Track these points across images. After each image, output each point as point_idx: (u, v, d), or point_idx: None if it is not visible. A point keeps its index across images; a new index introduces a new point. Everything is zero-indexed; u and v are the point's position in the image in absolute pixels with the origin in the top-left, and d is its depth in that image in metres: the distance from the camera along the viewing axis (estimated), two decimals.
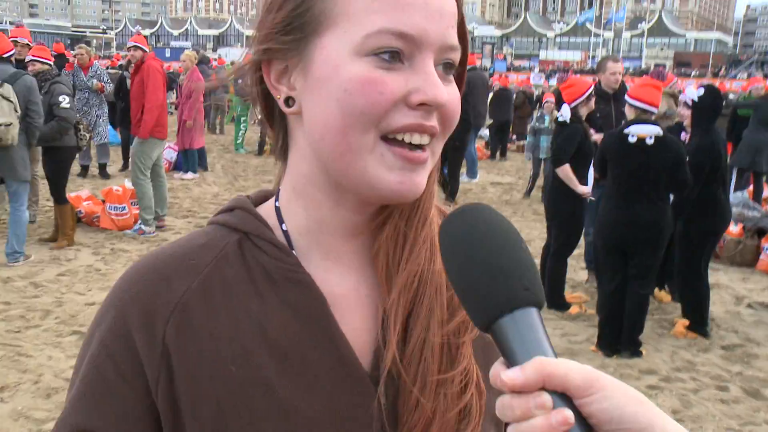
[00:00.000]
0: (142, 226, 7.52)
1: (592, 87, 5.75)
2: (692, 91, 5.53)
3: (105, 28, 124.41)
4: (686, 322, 5.37)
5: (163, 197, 7.93)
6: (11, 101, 5.81)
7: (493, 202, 10.61)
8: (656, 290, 6.13)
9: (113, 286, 0.77)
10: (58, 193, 6.85)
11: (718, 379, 4.64)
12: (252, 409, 0.71)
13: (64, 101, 6.49)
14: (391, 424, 0.72)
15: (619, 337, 4.92)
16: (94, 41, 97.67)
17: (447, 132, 0.74)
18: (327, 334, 0.74)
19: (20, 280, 5.97)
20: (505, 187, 11.73)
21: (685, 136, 5.96)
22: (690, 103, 5.43)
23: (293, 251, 0.77)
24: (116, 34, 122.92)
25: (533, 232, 8.48)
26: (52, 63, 6.86)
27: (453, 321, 0.75)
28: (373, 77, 0.67)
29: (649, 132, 4.71)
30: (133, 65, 7.82)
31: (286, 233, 0.78)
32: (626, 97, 5.01)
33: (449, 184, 9.69)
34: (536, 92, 23.21)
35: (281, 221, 0.79)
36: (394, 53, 0.68)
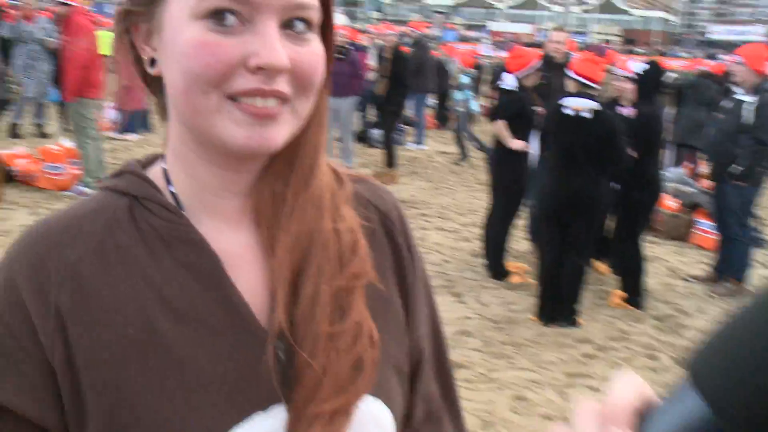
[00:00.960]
0: (86, 188, 7.24)
1: (539, 61, 5.78)
2: (636, 64, 5.62)
3: None
4: (623, 293, 5.52)
5: (99, 159, 7.62)
6: None
7: (439, 170, 10.66)
8: (594, 262, 6.27)
9: (4, 255, 0.75)
10: None
11: (649, 348, 4.79)
12: (149, 369, 0.70)
13: None
14: (287, 381, 0.73)
15: (557, 306, 5.03)
16: None
17: (305, 93, 0.73)
18: (222, 293, 0.74)
19: None
20: (453, 157, 11.76)
21: (626, 111, 6.07)
22: (634, 76, 5.52)
23: (183, 212, 0.77)
24: None
25: (478, 202, 8.54)
26: None
27: (343, 274, 0.76)
28: (205, 40, 0.67)
29: (585, 106, 4.79)
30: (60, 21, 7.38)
31: (174, 195, 0.78)
32: (567, 70, 5.07)
33: (385, 150, 9.67)
34: (488, 64, 23.20)
35: (169, 183, 0.78)
36: (227, 14, 0.67)
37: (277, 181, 0.77)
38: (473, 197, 8.94)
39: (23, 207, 6.83)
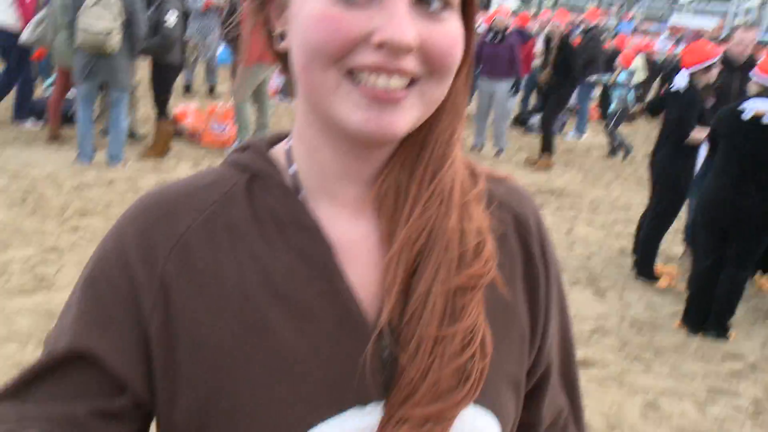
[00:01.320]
0: None
1: (717, 57, 5.34)
2: None
3: None
4: None
5: (265, 123, 7.92)
6: (113, 9, 5.96)
7: (596, 163, 10.24)
8: (757, 275, 5.79)
9: (118, 219, 0.75)
10: (159, 108, 7.07)
11: None
12: (249, 350, 0.69)
13: (172, 17, 6.55)
14: (388, 378, 0.69)
15: (706, 315, 4.68)
16: None
17: (440, 74, 0.67)
18: (331, 283, 0.71)
19: (122, 182, 6.25)
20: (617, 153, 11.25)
21: None
22: None
23: (301, 194, 0.74)
24: None
25: (634, 199, 8.13)
26: None
27: (460, 276, 0.71)
28: (329, 14, 0.63)
29: (767, 110, 4.35)
30: None
31: (294, 176, 0.75)
32: (754, 72, 4.63)
33: (543, 136, 9.39)
34: (658, 59, 21.94)
35: (290, 163, 0.76)
36: None
37: (402, 171, 0.73)
38: (628, 193, 8.52)
39: (187, 161, 7.29)
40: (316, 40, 0.64)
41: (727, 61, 6.00)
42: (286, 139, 0.79)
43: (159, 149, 7.11)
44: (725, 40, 9.56)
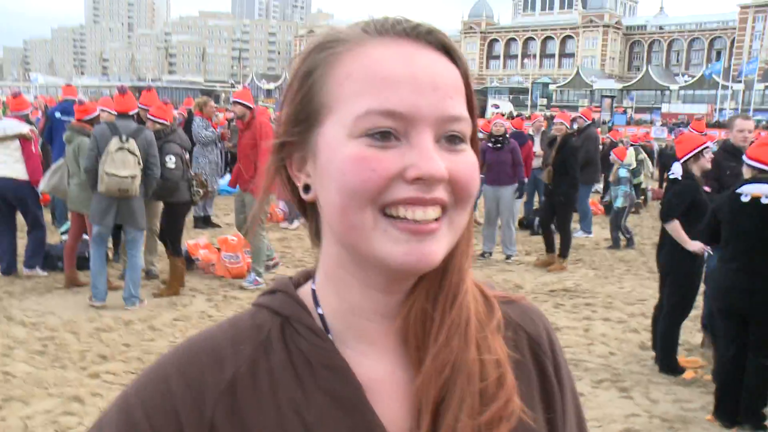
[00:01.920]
0: (258, 278, 7.63)
1: (705, 144, 5.52)
2: None
3: (233, 82, 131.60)
4: None
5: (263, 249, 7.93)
6: (136, 155, 6.25)
7: (606, 258, 10.28)
8: None
9: (162, 358, 0.79)
10: (171, 246, 7.20)
11: None
12: None
13: (170, 161, 6.81)
14: None
15: (738, 406, 4.60)
16: (223, 94, 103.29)
17: (464, 203, 0.74)
18: (364, 422, 0.74)
19: (139, 323, 6.31)
20: (622, 245, 11.31)
21: None
22: None
23: (329, 335, 0.78)
24: (243, 88, 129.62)
25: (647, 291, 8.13)
26: (167, 122, 7.13)
27: (486, 412, 0.74)
28: (364, 155, 0.69)
29: (764, 191, 4.46)
30: (237, 120, 7.89)
31: (322, 317, 0.80)
32: (744, 156, 4.78)
33: (561, 240, 9.46)
34: (657, 146, 22.44)
35: (317, 304, 0.80)
36: (386, 133, 0.70)
37: (426, 300, 0.76)
38: (641, 286, 8.51)
39: (202, 293, 7.39)
40: (356, 181, 0.69)
41: (730, 150, 6.16)
42: (310, 280, 0.84)
43: (173, 287, 7.20)
44: (718, 124, 9.80)
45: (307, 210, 0.82)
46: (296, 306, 0.80)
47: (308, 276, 0.85)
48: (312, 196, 0.77)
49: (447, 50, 0.75)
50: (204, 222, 11.23)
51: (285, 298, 0.81)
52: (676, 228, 5.36)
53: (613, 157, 11.39)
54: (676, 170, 5.43)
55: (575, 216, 11.99)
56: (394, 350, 0.78)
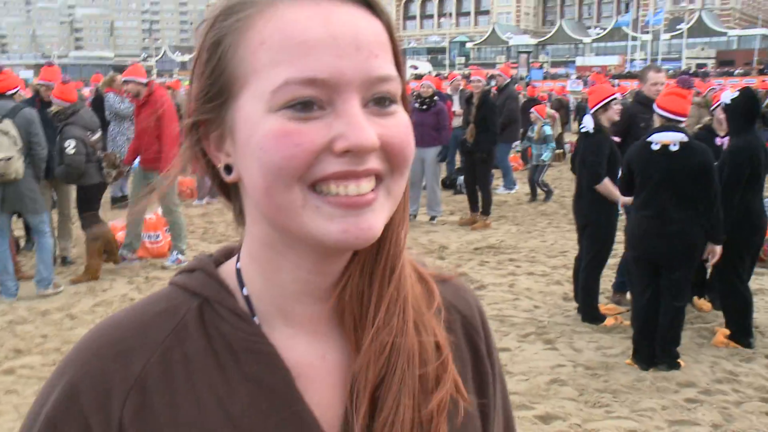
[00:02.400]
0: (179, 256, 7.44)
1: (613, 96, 5.62)
2: (726, 94, 5.39)
3: (145, 55, 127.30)
4: (727, 331, 5.19)
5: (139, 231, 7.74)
6: (11, 135, 5.94)
7: (528, 213, 10.48)
8: (696, 299, 5.96)
9: (65, 357, 0.73)
10: (87, 228, 6.95)
11: (763, 390, 4.45)
12: None
13: (69, 146, 6.49)
14: None
15: (655, 348, 4.78)
16: None
17: (400, 169, 0.68)
18: (292, 410, 0.70)
19: (57, 312, 6.08)
20: (540, 198, 11.55)
21: (720, 141, 5.81)
22: (723, 106, 5.29)
23: (255, 318, 0.73)
24: (156, 61, 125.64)
25: (569, 243, 8.33)
26: (66, 103, 6.73)
27: (430, 400, 0.71)
28: (286, 130, 0.63)
29: (672, 139, 4.59)
30: (133, 98, 7.46)
31: (247, 298, 0.74)
32: (654, 106, 4.89)
33: (482, 198, 9.57)
34: (573, 99, 22.97)
35: (242, 285, 0.74)
36: (308, 102, 0.63)
37: (362, 276, 0.72)
38: (563, 238, 8.73)
39: (122, 276, 7.16)
40: (280, 158, 0.63)
41: (644, 102, 6.25)
42: (234, 258, 0.78)
43: (92, 271, 6.94)
44: (630, 75, 10.03)
45: (230, 190, 0.76)
46: (217, 286, 0.74)
47: (230, 253, 0.79)
48: (234, 176, 0.70)
49: (367, 3, 0.68)
50: (121, 202, 10.87)
51: (204, 278, 0.75)
52: (606, 186, 5.45)
53: (535, 114, 11.50)
54: (587, 123, 5.53)
55: (497, 173, 12.19)
56: (326, 333, 0.74)
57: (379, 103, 0.66)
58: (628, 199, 5.32)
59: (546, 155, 11.04)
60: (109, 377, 0.68)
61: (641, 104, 6.32)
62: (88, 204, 6.94)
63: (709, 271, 5.90)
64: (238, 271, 0.75)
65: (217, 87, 0.68)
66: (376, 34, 0.67)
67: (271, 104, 0.63)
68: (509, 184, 12.32)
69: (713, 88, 11.75)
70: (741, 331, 5.15)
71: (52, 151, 6.62)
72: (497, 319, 5.79)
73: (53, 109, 6.82)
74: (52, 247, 6.64)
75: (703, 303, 5.96)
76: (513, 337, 5.40)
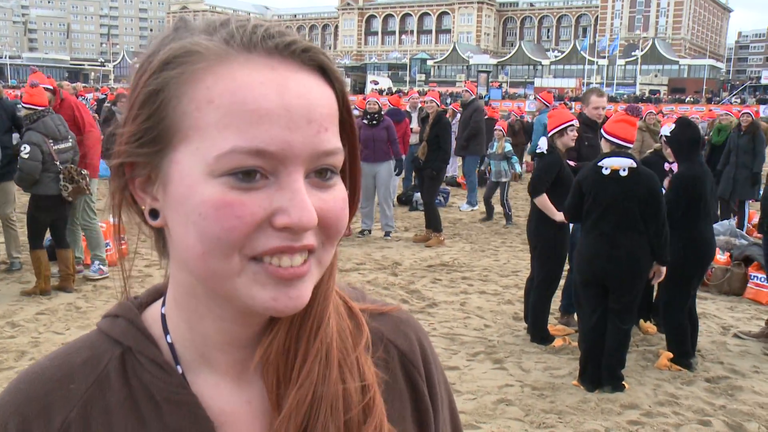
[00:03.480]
0: (101, 266, 7.25)
1: (570, 122, 5.73)
2: (665, 127, 5.59)
3: (103, 60, 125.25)
4: (670, 354, 5.31)
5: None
6: None
7: (483, 232, 10.58)
8: (641, 321, 6.08)
9: None
10: (29, 239, 6.70)
11: (701, 413, 4.56)
12: None
13: (24, 150, 6.27)
14: None
15: (600, 371, 4.86)
16: (92, 73, 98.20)
17: (333, 240, 0.69)
18: None
19: None
20: (495, 217, 11.68)
21: (668, 166, 5.96)
22: (664, 138, 5.45)
23: (178, 366, 0.72)
24: (114, 67, 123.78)
25: (521, 263, 8.44)
26: (36, 106, 6.47)
27: None
28: (228, 200, 0.62)
29: (622, 164, 4.70)
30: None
31: (171, 345, 0.73)
32: (602, 131, 5.01)
33: (427, 216, 9.64)
34: (530, 120, 23.33)
35: (166, 332, 0.74)
36: (251, 171, 0.62)
37: (290, 330, 0.71)
38: (516, 257, 8.83)
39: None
40: (220, 229, 0.62)
41: (587, 123, 6.43)
42: (160, 301, 0.77)
43: (39, 284, 6.68)
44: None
45: (154, 230, 0.74)
46: (139, 335, 0.73)
47: (159, 294, 0.78)
48: (160, 223, 0.69)
49: (323, 70, 0.67)
50: None
51: (127, 326, 0.74)
52: (543, 201, 5.59)
53: (500, 130, 11.54)
54: (542, 145, 5.64)
55: (456, 190, 12.29)
56: (250, 380, 0.74)
57: (320, 174, 0.66)
58: (562, 216, 5.43)
59: (517, 167, 11.18)
60: None
61: (585, 124, 6.47)
62: (36, 214, 6.64)
63: (654, 294, 6.04)
64: (163, 317, 0.75)
65: (152, 134, 0.66)
66: (328, 105, 0.67)
67: (213, 168, 0.62)
68: (472, 200, 12.42)
69: (651, 112, 12.13)
70: (683, 354, 5.26)
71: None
72: (447, 337, 5.82)
73: (22, 112, 6.61)
74: None
75: (649, 326, 6.09)
76: (462, 355, 5.44)
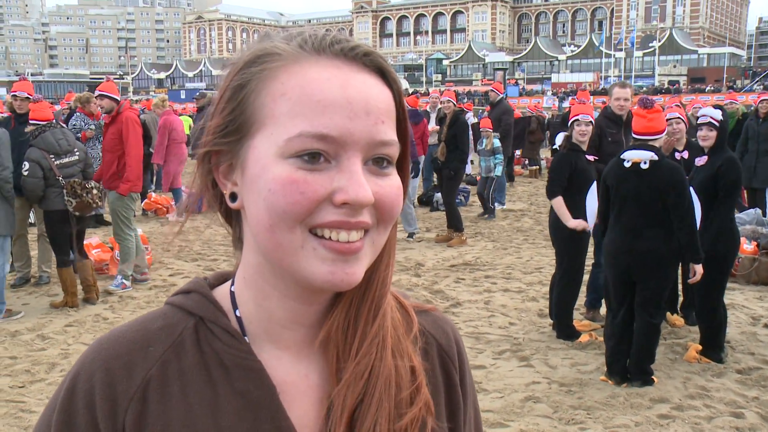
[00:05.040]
0: (124, 281, 7.26)
1: (575, 117, 5.68)
2: (708, 110, 5.41)
3: (121, 73, 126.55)
4: (699, 346, 5.25)
5: (140, 248, 7.56)
6: None
7: (505, 230, 10.54)
8: (668, 314, 6.02)
9: (72, 369, 0.80)
10: (55, 255, 6.75)
11: (734, 405, 4.50)
12: None
13: (24, 167, 6.32)
14: None
15: (628, 364, 4.81)
16: None
17: (386, 224, 0.76)
18: (276, 423, 0.76)
19: (28, 332, 5.98)
20: (517, 214, 11.64)
21: (679, 156, 5.89)
22: (717, 123, 5.25)
23: (246, 338, 0.79)
24: (132, 79, 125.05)
25: (544, 259, 8.40)
26: (40, 121, 6.55)
27: (403, 418, 0.77)
28: (294, 178, 0.70)
29: (643, 157, 4.66)
30: (104, 115, 7.40)
31: (239, 319, 0.81)
32: (632, 132, 4.95)
33: (448, 216, 9.62)
34: (548, 116, 23.21)
35: (235, 307, 0.81)
36: (316, 154, 0.70)
37: (349, 312, 0.79)
38: (539, 254, 8.78)
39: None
40: (286, 203, 0.70)
41: (611, 117, 6.33)
42: (228, 282, 0.85)
43: (69, 299, 6.72)
44: (603, 91, 10.18)
45: (232, 216, 0.83)
46: (211, 307, 0.81)
47: (224, 278, 0.86)
48: (238, 204, 0.78)
49: (382, 72, 0.76)
50: (96, 221, 10.75)
51: (200, 299, 0.82)
52: (558, 205, 5.58)
53: (485, 129, 11.47)
54: (558, 139, 5.63)
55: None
56: (309, 356, 0.81)
57: (377, 163, 0.74)
58: (577, 223, 5.41)
59: (498, 169, 11.12)
60: (116, 388, 0.76)
61: (608, 119, 6.40)
62: (52, 230, 6.69)
63: (680, 287, 5.98)
64: (232, 294, 0.82)
65: (235, 124, 0.75)
66: (385, 102, 0.75)
67: (283, 150, 0.71)
68: (501, 199, 12.38)
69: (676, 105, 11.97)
70: (714, 347, 5.20)
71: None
72: (473, 336, 5.80)
73: (29, 128, 6.68)
74: (4, 272, 6.39)
75: (676, 318, 6.03)
76: (488, 354, 5.42)
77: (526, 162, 18.08)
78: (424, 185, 12.82)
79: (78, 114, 9.92)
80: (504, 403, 4.52)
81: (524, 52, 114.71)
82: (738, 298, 6.86)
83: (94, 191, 6.59)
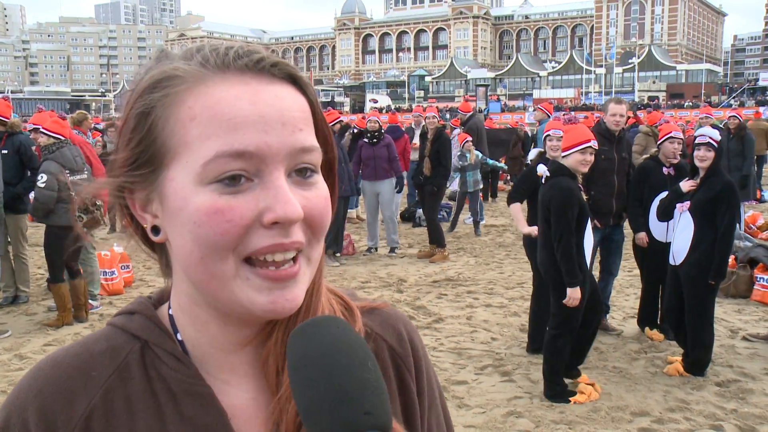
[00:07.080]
0: (91, 301, 7.15)
1: (546, 132, 5.79)
2: (707, 130, 5.26)
3: (103, 90, 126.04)
4: (679, 359, 5.28)
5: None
6: None
7: (486, 245, 10.57)
8: (647, 329, 6.07)
9: (7, 397, 0.75)
10: (50, 271, 6.71)
11: (713, 417, 4.53)
12: None
13: (41, 179, 6.30)
14: None
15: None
16: (93, 104, 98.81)
17: (318, 236, 0.73)
18: None
19: (5, 352, 5.91)
20: (499, 229, 11.68)
21: (666, 171, 5.94)
22: (715, 144, 5.13)
23: (192, 361, 0.76)
24: (114, 96, 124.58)
25: (526, 274, 8.41)
26: (59, 136, 6.52)
27: None
28: (218, 206, 0.67)
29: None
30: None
31: (181, 343, 0.77)
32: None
33: (430, 231, 9.65)
34: (530, 131, 23.37)
35: (175, 330, 0.78)
36: (236, 176, 0.67)
37: (287, 327, 0.76)
38: (521, 269, 8.81)
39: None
40: (214, 234, 0.67)
41: (605, 134, 6.13)
42: (167, 303, 0.81)
43: (66, 315, 6.64)
44: (585, 107, 10.26)
45: (155, 245, 0.78)
46: (156, 329, 0.77)
47: (167, 295, 0.82)
48: (162, 238, 0.74)
49: (293, 80, 0.73)
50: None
51: (144, 321, 0.78)
52: (514, 210, 5.82)
53: (469, 142, 11.47)
54: (531, 155, 5.76)
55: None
56: (254, 376, 0.78)
57: (301, 173, 0.71)
58: (529, 229, 5.55)
59: (479, 184, 11.18)
60: (55, 416, 0.71)
61: (602, 135, 6.10)
62: (52, 245, 6.63)
63: (659, 302, 6.02)
64: (171, 317, 0.79)
65: (146, 156, 0.71)
66: (300, 109, 0.72)
67: (201, 177, 0.67)
68: (481, 212, 12.41)
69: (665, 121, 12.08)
70: (704, 365, 5.21)
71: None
72: (455, 351, 5.80)
73: (42, 141, 6.58)
74: None
75: (655, 333, 6.06)
76: (470, 369, 5.42)
77: (509, 178, 18.17)
78: (407, 201, 12.85)
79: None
80: (486, 419, 4.52)
81: (506, 69, 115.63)
82: (717, 312, 6.86)
83: (102, 209, 6.63)
